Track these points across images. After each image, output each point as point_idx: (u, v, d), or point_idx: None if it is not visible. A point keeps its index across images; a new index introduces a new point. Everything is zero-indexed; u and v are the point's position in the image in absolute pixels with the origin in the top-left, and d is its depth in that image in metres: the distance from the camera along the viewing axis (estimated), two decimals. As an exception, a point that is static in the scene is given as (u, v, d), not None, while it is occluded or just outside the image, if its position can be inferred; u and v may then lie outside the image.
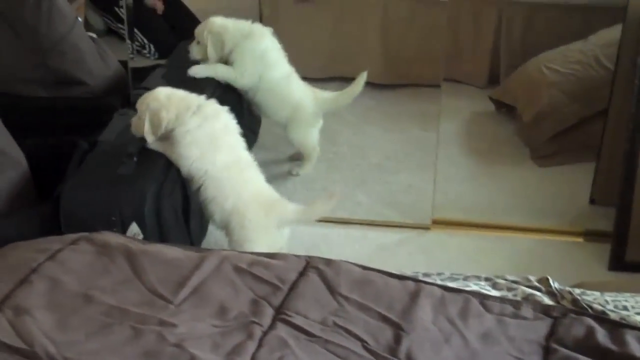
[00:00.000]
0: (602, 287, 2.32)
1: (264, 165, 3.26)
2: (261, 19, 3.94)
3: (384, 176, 3.36)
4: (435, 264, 2.84)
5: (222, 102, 3.07)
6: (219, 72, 3.15)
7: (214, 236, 2.92)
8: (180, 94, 2.62)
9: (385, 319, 1.65)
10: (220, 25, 3.19)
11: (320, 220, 3.06)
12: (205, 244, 2.89)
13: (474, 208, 3.18)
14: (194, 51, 3.17)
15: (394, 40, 3.91)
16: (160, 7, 4.15)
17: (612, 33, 3.20)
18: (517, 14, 3.84)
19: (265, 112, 3.33)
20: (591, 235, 3.04)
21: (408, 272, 1.89)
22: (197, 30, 3.18)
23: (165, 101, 2.56)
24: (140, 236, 2.39)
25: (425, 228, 3.08)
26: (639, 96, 2.75)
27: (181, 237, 2.67)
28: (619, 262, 2.85)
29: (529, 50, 3.72)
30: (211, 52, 3.15)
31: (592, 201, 3.19)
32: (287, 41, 3.60)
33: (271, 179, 3.23)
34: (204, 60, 3.15)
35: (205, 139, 2.54)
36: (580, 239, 3.05)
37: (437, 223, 3.09)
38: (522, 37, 3.86)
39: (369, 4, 3.91)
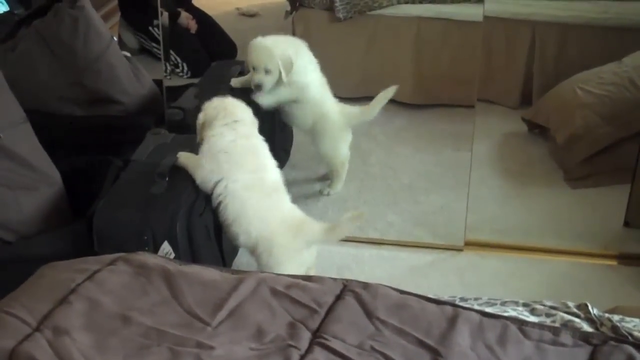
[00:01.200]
0: (638, 312, 2.30)
1: (295, 184, 3.29)
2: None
3: (415, 196, 3.35)
4: (468, 286, 2.83)
5: (256, 116, 3.10)
6: (283, 96, 3.13)
7: (245, 256, 2.93)
8: (231, 103, 2.66)
9: (422, 344, 1.64)
10: (286, 49, 3.12)
11: (351, 240, 3.08)
12: (237, 263, 2.90)
13: (506, 230, 3.16)
14: (267, 82, 3.05)
15: (426, 60, 3.91)
16: (193, 26, 4.18)
17: (645, 55, 3.19)
18: (550, 34, 3.81)
19: (291, 119, 3.31)
20: (625, 259, 3.01)
21: (445, 297, 1.88)
22: (261, 59, 3.05)
23: (209, 105, 2.61)
24: (172, 255, 2.41)
25: (458, 249, 3.06)
26: (675, 119, 2.73)
27: (213, 256, 2.68)
28: (654, 286, 2.83)
29: (562, 71, 3.69)
30: (284, 76, 3.07)
31: (626, 224, 3.16)
32: (319, 60, 3.61)
33: (302, 198, 3.27)
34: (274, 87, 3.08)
35: (225, 152, 2.55)
36: (614, 262, 3.02)
37: (470, 244, 3.08)
38: (555, 57, 3.83)
39: (402, 24, 3.90)
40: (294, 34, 3.94)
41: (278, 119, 3.36)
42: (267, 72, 3.05)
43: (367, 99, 3.80)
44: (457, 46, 3.80)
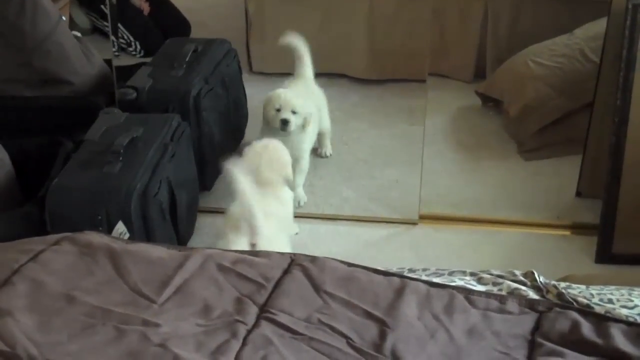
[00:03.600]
0: (588, 281, 2.32)
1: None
2: (247, 16, 3.93)
3: (370, 171, 3.36)
4: (423, 259, 2.84)
5: (211, 95, 3.09)
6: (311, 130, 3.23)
7: (202, 236, 2.92)
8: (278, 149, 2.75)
9: (370, 316, 1.65)
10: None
11: (307, 217, 3.08)
12: (192, 242, 2.88)
13: (461, 202, 3.18)
14: (295, 122, 3.09)
15: (379, 35, 3.91)
16: (146, 8, 4.13)
17: (598, 26, 3.20)
18: (503, 8, 3.84)
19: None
20: (578, 228, 3.04)
21: (394, 268, 1.88)
22: (291, 103, 3.10)
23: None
24: (127, 235, 2.39)
25: (413, 223, 3.07)
26: (624, 89, 2.75)
27: (168, 236, 2.66)
28: (605, 255, 2.86)
29: (515, 44, 3.72)
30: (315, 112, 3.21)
31: (578, 194, 3.19)
32: (273, 38, 3.59)
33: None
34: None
35: None
36: (567, 232, 3.05)
37: (425, 218, 3.09)
38: (508, 31, 3.85)
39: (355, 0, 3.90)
40: (246, 11, 3.91)
41: (232, 99, 3.34)
42: (294, 113, 3.10)
43: (321, 75, 3.81)
44: (409, 21, 3.81)
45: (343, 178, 3.32)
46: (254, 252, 1.84)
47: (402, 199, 3.15)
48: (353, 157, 3.45)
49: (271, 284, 1.72)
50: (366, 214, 3.11)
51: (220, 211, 3.11)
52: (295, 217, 3.07)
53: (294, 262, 1.80)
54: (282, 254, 1.83)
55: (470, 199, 3.21)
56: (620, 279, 2.39)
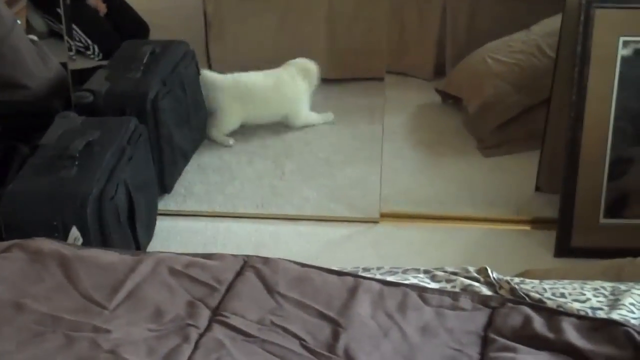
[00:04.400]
0: (546, 275, 2.35)
1: (211, 162, 3.28)
2: (205, 17, 3.91)
3: (332, 171, 3.36)
4: (384, 258, 2.85)
5: (169, 97, 3.07)
6: None
7: (161, 239, 2.91)
8: None
9: (323, 316, 1.65)
10: None
11: (267, 217, 3.08)
12: (152, 247, 2.87)
13: (421, 200, 3.19)
14: None
15: (338, 34, 3.91)
16: (102, 9, 4.08)
17: (554, 22, 3.21)
18: (460, 5, 3.85)
19: None
20: (538, 223, 3.07)
21: (348, 268, 1.88)
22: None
23: None
24: (80, 241, 2.36)
25: (374, 222, 3.08)
26: (579, 85, 2.78)
27: (125, 240, 2.64)
28: (564, 249, 2.89)
29: (473, 41, 3.73)
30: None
31: (537, 189, 3.21)
32: (232, 38, 3.58)
33: (216, 174, 3.25)
34: None
35: None
36: (527, 227, 3.08)
37: (386, 216, 3.10)
38: (466, 28, 3.87)
39: (313, -1, 3.90)
40: (205, 13, 3.89)
41: (191, 100, 3.32)
42: None
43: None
44: (367, 20, 3.81)
45: (304, 178, 3.31)
46: (207, 255, 1.83)
47: (363, 198, 3.15)
48: (314, 157, 3.45)
49: (224, 286, 1.71)
50: (327, 214, 3.11)
51: (181, 214, 3.12)
52: (255, 218, 3.08)
53: (247, 264, 1.79)
54: (235, 256, 1.82)
55: (430, 196, 3.22)
56: (577, 272, 2.42)
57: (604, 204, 2.86)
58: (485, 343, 1.61)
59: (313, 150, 3.49)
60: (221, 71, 3.77)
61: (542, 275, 2.34)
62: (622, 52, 2.74)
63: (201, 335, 1.58)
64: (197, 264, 1.77)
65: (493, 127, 3.47)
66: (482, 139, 3.49)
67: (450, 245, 2.95)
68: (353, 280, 1.75)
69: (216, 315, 1.64)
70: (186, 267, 1.76)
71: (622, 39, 2.74)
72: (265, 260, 1.80)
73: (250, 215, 3.10)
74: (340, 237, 3.01)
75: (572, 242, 2.88)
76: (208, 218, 3.09)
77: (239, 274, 1.76)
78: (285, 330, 1.61)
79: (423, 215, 3.10)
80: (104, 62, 3.45)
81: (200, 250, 2.74)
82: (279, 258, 1.82)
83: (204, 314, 1.64)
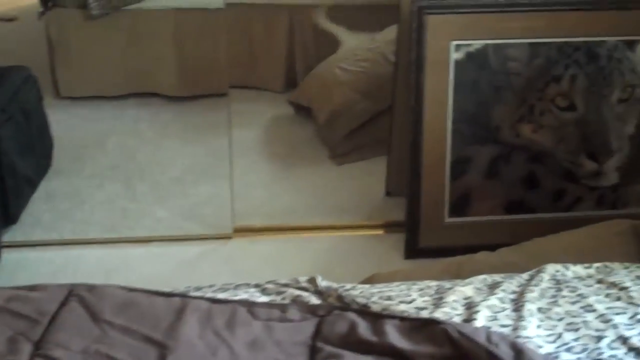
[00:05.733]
0: (391, 277, 2.40)
1: (61, 189, 3.21)
2: (49, 40, 3.82)
3: (184, 189, 3.33)
4: (239, 273, 2.84)
5: (9, 124, 2.98)
6: None
7: (7, 272, 2.82)
8: None
9: (149, 340, 1.62)
10: None
11: (118, 241, 3.03)
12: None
13: (275, 212, 3.21)
14: None
15: (186, 52, 3.91)
16: None
17: (395, 30, 3.31)
18: (306, 17, 3.91)
19: None
20: (389, 227, 3.13)
21: (181, 288, 1.87)
22: None
23: None
24: None
25: (227, 237, 3.07)
26: (417, 89, 2.85)
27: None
28: (413, 250, 2.96)
29: (321, 51, 3.80)
30: None
31: (388, 193, 3.29)
32: (79, 61, 3.51)
33: (66, 202, 3.18)
34: None
35: None
36: (380, 231, 3.14)
37: (239, 231, 3.09)
38: (314, 39, 3.93)
39: (160, 17, 3.87)
40: (48, 35, 3.81)
41: (34, 126, 3.24)
42: None
43: (132, 95, 3.77)
44: (212, 36, 3.81)
45: (156, 198, 3.28)
46: (31, 287, 1.78)
47: (216, 215, 3.14)
48: (166, 176, 3.42)
49: (47, 318, 1.67)
50: (180, 233, 3.08)
51: (29, 244, 3.03)
52: (107, 243, 3.03)
53: (72, 292, 1.75)
54: (60, 286, 1.78)
55: (284, 208, 3.24)
56: (421, 272, 2.48)
57: (447, 204, 2.94)
58: (313, 352, 1.63)
59: (164, 170, 3.46)
60: (70, 95, 3.72)
61: (387, 278, 2.39)
62: (455, 56, 2.83)
63: (22, 371, 1.54)
64: (19, 297, 1.72)
65: (343, 135, 3.53)
66: (333, 148, 3.55)
67: (304, 255, 2.98)
68: (180, 301, 1.74)
69: (39, 348, 1.60)
70: (7, 301, 1.71)
71: (454, 43, 2.83)
72: (91, 288, 1.76)
73: (101, 241, 3.04)
74: (194, 256, 2.99)
75: (420, 242, 2.96)
76: (57, 246, 3.01)
77: (63, 304, 1.72)
78: (110, 357, 1.58)
79: (276, 228, 3.12)
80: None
81: (49, 281, 2.70)
82: (106, 284, 1.79)
83: (26, 349, 1.59)
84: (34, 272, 2.88)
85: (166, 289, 1.86)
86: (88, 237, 3.06)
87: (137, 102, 3.61)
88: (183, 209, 3.22)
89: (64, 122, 3.56)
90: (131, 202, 3.26)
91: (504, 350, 1.54)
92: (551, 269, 1.95)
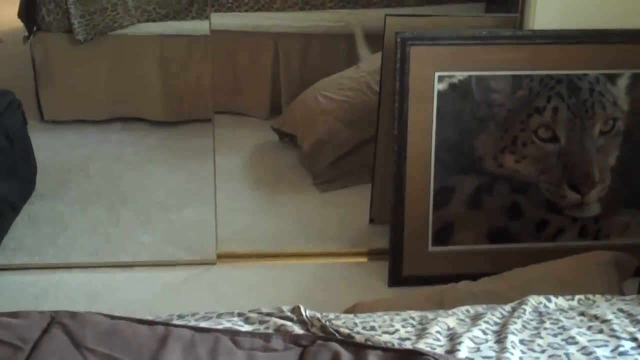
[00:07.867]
0: (374, 306, 2.41)
1: (43, 213, 3.20)
2: (34, 65, 3.82)
3: (168, 214, 3.33)
4: (222, 299, 2.85)
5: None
6: None
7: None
8: None
9: (131, 368, 1.62)
10: None
11: (101, 266, 3.03)
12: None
13: (259, 239, 3.21)
14: None
15: (171, 77, 3.92)
16: None
17: (379, 59, 3.34)
18: (291, 45, 3.94)
19: None
20: (373, 255, 3.14)
21: (164, 316, 1.87)
22: None
23: None
24: None
25: (211, 263, 3.07)
26: (400, 119, 2.87)
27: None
28: (397, 278, 2.97)
29: (306, 79, 3.82)
30: None
31: (371, 221, 3.30)
32: (63, 85, 3.51)
33: (49, 226, 3.17)
34: None
35: None
36: (364, 259, 3.14)
37: (223, 257, 3.09)
38: (299, 67, 3.96)
39: (145, 43, 3.89)
40: (33, 59, 3.81)
41: (18, 150, 3.23)
42: None
43: (116, 120, 3.77)
44: (197, 62, 3.83)
45: (140, 223, 3.27)
46: (12, 314, 1.78)
47: (200, 240, 3.14)
48: (150, 201, 3.42)
49: (29, 345, 1.66)
50: (164, 258, 3.08)
51: (10, 268, 3.01)
52: (89, 267, 3.02)
53: (54, 319, 1.74)
54: (42, 313, 1.77)
55: (268, 234, 3.25)
56: (403, 300, 2.50)
57: (431, 233, 2.96)
58: (297, 382, 1.63)
59: (148, 195, 3.46)
60: (54, 119, 3.71)
61: (371, 307, 2.40)
62: (438, 86, 2.86)
63: (2, 399, 1.53)
64: (1, 323, 1.71)
65: (327, 163, 3.55)
66: (317, 175, 3.56)
67: (287, 282, 2.98)
68: (164, 329, 1.73)
69: (20, 376, 1.59)
70: (-11, 328, 1.70)
71: (437, 74, 2.86)
72: (73, 315, 1.76)
73: (83, 265, 3.02)
74: (177, 281, 2.99)
75: (404, 271, 2.97)
76: (39, 270, 2.99)
77: (45, 331, 1.71)
78: (92, 386, 1.58)
79: (260, 254, 3.12)
80: None
81: (31, 305, 2.69)
82: (89, 312, 1.79)
83: (7, 376, 1.59)
84: (15, 295, 2.87)
85: (149, 315, 1.87)
86: (71, 261, 3.05)
87: (122, 127, 3.61)
88: (167, 234, 3.21)
89: (48, 146, 3.56)
90: (115, 226, 3.25)
91: (487, 382, 1.55)
92: (534, 300, 1.96)
